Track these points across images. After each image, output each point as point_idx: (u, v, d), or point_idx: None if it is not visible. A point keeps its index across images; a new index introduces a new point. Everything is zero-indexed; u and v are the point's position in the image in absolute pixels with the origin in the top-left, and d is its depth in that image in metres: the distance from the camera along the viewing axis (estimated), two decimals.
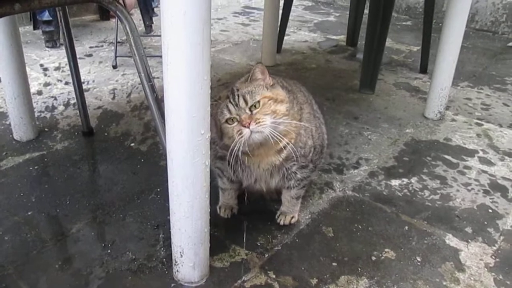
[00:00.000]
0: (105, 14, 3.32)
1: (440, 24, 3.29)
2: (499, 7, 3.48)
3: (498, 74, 2.60)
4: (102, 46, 2.77)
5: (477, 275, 1.12)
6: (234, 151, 1.01)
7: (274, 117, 1.02)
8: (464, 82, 2.43)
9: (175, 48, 0.78)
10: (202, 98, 0.84)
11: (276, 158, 1.12)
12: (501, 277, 1.12)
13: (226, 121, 1.03)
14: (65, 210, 1.29)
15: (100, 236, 1.21)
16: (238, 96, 1.02)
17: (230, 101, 1.02)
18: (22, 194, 1.35)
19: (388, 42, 2.24)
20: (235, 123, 1.02)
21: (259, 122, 1.00)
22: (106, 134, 1.72)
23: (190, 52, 0.78)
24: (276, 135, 1.03)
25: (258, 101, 1.02)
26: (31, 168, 1.48)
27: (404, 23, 3.73)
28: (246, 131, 1.00)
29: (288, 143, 1.09)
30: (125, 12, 1.02)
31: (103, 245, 1.17)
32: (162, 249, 1.16)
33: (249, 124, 0.99)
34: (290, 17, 2.78)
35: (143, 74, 1.07)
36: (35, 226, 1.23)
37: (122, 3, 1.04)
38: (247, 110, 1.01)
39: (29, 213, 1.27)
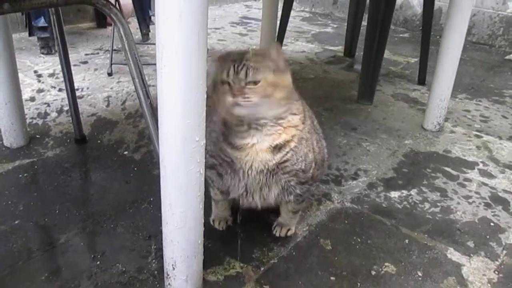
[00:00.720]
0: (101, 22, 3.30)
1: (438, 37, 3.30)
2: (496, 21, 3.49)
3: (496, 87, 2.59)
4: (98, 53, 2.74)
5: None
6: (220, 113, 0.99)
7: (267, 100, 0.99)
8: (462, 94, 2.42)
9: (170, 51, 0.74)
10: (198, 104, 0.80)
11: (271, 157, 1.05)
12: None
13: (221, 82, 0.99)
14: (54, 219, 1.25)
15: (90, 247, 1.17)
16: (243, 66, 0.98)
17: (234, 65, 0.99)
18: (9, 202, 1.30)
19: (386, 54, 2.22)
20: (226, 87, 0.98)
21: (246, 97, 0.97)
22: (99, 141, 1.68)
23: (185, 55, 0.74)
24: (270, 116, 1.00)
25: (258, 81, 0.98)
26: (20, 176, 1.44)
27: (401, 35, 3.73)
28: (231, 99, 0.97)
29: (287, 143, 1.05)
30: (120, 15, 0.99)
31: (92, 256, 1.13)
32: (153, 261, 1.11)
33: (236, 95, 0.97)
34: (288, 28, 2.76)
35: (137, 80, 1.04)
36: (22, 236, 1.18)
37: (117, 7, 1.01)
38: (243, 83, 0.98)
39: (16, 222, 1.23)
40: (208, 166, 1.14)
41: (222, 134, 1.06)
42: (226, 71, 0.98)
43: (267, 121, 1.02)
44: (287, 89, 1.03)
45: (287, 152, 1.05)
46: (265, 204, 1.17)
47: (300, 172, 1.09)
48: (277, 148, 1.04)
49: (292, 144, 1.05)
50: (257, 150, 1.04)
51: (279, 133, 1.04)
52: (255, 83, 0.98)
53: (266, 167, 1.06)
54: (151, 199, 1.35)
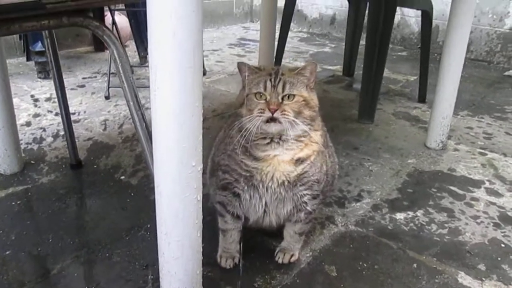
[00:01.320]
0: (99, 46, 3.30)
1: (435, 55, 3.30)
2: (494, 37, 3.50)
3: (497, 103, 2.56)
4: (95, 77, 2.73)
5: None
6: (250, 129, 0.97)
7: (298, 117, 0.99)
8: (463, 111, 2.39)
9: (163, 72, 0.71)
10: (193, 127, 0.77)
11: (293, 168, 1.03)
12: None
13: (255, 94, 1.00)
14: (47, 249, 1.20)
15: (84, 277, 1.11)
16: (280, 80, 0.99)
17: (270, 79, 0.99)
18: (1, 232, 1.26)
19: (385, 72, 2.21)
20: (262, 101, 0.99)
21: (284, 112, 0.98)
22: (95, 166, 1.64)
23: (180, 76, 0.71)
24: (293, 134, 1.00)
25: (294, 95, 0.99)
26: (13, 203, 1.39)
27: (399, 53, 3.73)
28: (268, 114, 0.97)
29: (308, 157, 1.04)
30: (113, 38, 0.97)
31: (86, 287, 1.07)
32: None
33: (275, 110, 0.97)
34: (286, 48, 2.76)
35: (131, 103, 1.01)
36: (14, 267, 1.13)
37: (112, 29, 0.99)
38: (280, 97, 0.98)
39: (8, 252, 1.18)
40: (221, 187, 1.10)
41: (241, 146, 1.03)
42: (263, 85, 0.99)
43: (290, 137, 1.01)
44: (315, 108, 1.04)
45: (307, 165, 1.05)
46: (279, 221, 1.14)
47: (315, 183, 1.08)
48: (299, 161, 1.04)
49: (312, 158, 1.05)
50: (279, 161, 1.03)
51: (300, 148, 1.04)
52: (290, 97, 0.99)
53: (288, 178, 1.04)
54: (148, 226, 1.30)
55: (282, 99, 0.99)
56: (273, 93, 0.98)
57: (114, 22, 2.51)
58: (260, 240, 1.27)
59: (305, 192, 1.07)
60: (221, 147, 1.12)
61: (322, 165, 1.09)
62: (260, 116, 0.97)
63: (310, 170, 1.05)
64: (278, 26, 2.62)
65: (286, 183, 1.05)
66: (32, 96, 2.34)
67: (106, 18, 2.85)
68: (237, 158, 1.05)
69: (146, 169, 1.61)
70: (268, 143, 1.02)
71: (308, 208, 1.10)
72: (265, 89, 0.99)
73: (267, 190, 1.05)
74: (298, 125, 1.00)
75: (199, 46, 0.72)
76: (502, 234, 1.35)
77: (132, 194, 1.47)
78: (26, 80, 2.57)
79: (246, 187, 1.06)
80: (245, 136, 0.99)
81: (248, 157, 1.04)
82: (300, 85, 1.01)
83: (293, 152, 1.03)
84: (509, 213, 1.45)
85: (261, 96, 0.99)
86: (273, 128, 0.99)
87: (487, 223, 1.40)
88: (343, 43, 2.99)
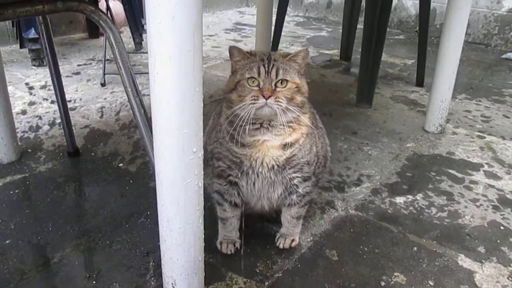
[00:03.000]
0: (94, 32, 3.26)
1: (433, 38, 3.27)
2: (491, 20, 3.47)
3: (495, 86, 2.56)
4: (90, 64, 2.70)
5: None
6: (242, 116, 0.97)
7: (290, 103, 0.99)
8: (461, 95, 2.38)
9: (163, 56, 0.70)
10: (194, 112, 0.75)
11: (281, 152, 1.03)
12: None
13: (247, 80, 0.98)
14: (47, 238, 1.19)
15: (85, 266, 1.11)
16: (273, 66, 0.98)
17: (263, 64, 0.98)
18: (0, 221, 1.25)
19: (382, 56, 2.19)
20: (255, 87, 0.98)
21: (278, 99, 0.97)
22: (93, 154, 1.63)
23: (180, 61, 0.70)
24: (284, 120, 0.99)
25: (287, 81, 0.99)
26: (11, 192, 1.38)
27: (396, 37, 3.70)
28: (261, 101, 0.96)
29: (297, 141, 1.04)
30: (109, 23, 0.95)
31: (87, 275, 1.07)
32: (152, 279, 1.06)
33: (269, 97, 0.96)
34: (282, 33, 2.73)
35: (129, 89, 0.99)
36: (14, 256, 1.12)
37: (106, 13, 0.97)
38: (273, 83, 0.98)
39: (7, 241, 1.17)
40: (216, 175, 1.09)
41: (229, 133, 1.03)
42: (256, 70, 0.97)
43: (279, 123, 1.00)
44: (306, 94, 1.03)
45: (296, 148, 1.05)
46: (271, 205, 1.14)
47: (305, 165, 1.07)
48: (288, 145, 1.03)
49: (301, 141, 1.05)
50: (268, 146, 1.03)
51: (289, 133, 1.03)
52: (283, 83, 0.98)
53: (277, 162, 1.04)
54: (148, 212, 1.30)
55: (275, 85, 0.98)
56: (267, 79, 0.97)
57: (108, 8, 2.46)
58: (260, 226, 1.27)
59: (294, 175, 1.07)
60: (212, 135, 1.12)
61: (311, 146, 1.09)
62: (254, 103, 0.96)
63: (299, 153, 1.05)
64: (274, 11, 2.59)
65: (275, 167, 1.05)
66: (27, 84, 2.31)
67: (99, 3, 2.80)
68: (225, 146, 1.05)
69: (145, 156, 1.60)
70: (257, 128, 1.02)
71: (300, 190, 1.10)
72: (258, 74, 0.97)
73: (257, 175, 1.06)
74: (290, 111, 0.99)
75: (199, 30, 0.70)
76: (501, 216, 1.35)
77: (131, 181, 1.46)
78: (20, 68, 2.54)
79: (240, 174, 1.06)
80: (239, 125, 0.98)
81: (235, 144, 1.03)
82: (293, 71, 1.00)
83: (282, 137, 1.03)
84: (508, 196, 1.46)
85: (253, 81, 0.98)
86: (266, 111, 0.97)
87: (486, 206, 1.40)
88: (340, 27, 2.96)
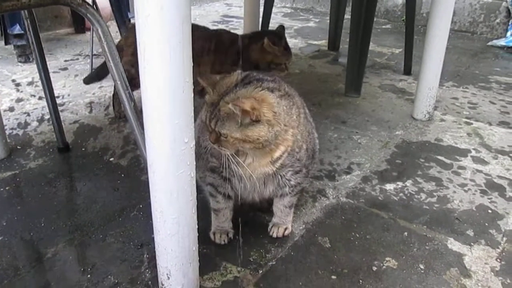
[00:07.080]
0: (80, 27, 3.22)
1: (419, 27, 3.29)
2: (476, 7, 3.50)
3: (481, 73, 2.59)
4: (77, 59, 2.67)
5: (484, 281, 1.06)
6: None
7: (245, 148, 0.98)
8: (448, 82, 2.41)
9: (152, 47, 0.70)
10: (185, 102, 0.76)
11: (270, 168, 1.04)
12: (508, 281, 1.06)
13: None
14: (40, 233, 1.19)
15: (79, 260, 1.11)
16: (215, 115, 0.95)
17: (210, 110, 0.97)
18: None
19: (370, 45, 2.20)
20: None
21: (221, 148, 0.98)
22: (83, 149, 1.62)
23: (169, 52, 0.70)
24: (256, 152, 1.00)
25: (225, 135, 0.95)
26: (2, 189, 1.38)
27: (383, 26, 3.72)
28: (210, 143, 0.99)
29: (284, 153, 1.04)
30: (97, 16, 0.94)
31: (82, 269, 1.07)
32: (147, 270, 1.07)
33: (213, 143, 0.98)
34: (270, 24, 2.72)
35: (119, 82, 0.99)
36: (7, 253, 1.12)
37: (94, 6, 0.96)
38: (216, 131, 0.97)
39: (0, 238, 1.17)
40: (210, 169, 1.10)
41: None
42: (205, 113, 0.97)
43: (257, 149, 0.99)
44: (262, 141, 0.96)
45: (285, 158, 1.05)
46: (262, 197, 1.16)
47: (296, 162, 1.08)
48: (275, 160, 1.04)
49: (289, 149, 1.04)
50: (256, 166, 1.04)
51: (274, 151, 1.02)
52: (223, 135, 0.95)
53: (266, 175, 1.07)
54: (141, 206, 1.30)
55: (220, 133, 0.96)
56: (209, 126, 0.97)
57: (94, 2, 2.44)
58: (253, 215, 1.28)
59: (286, 170, 1.08)
60: (206, 132, 1.12)
61: (302, 144, 1.08)
62: (208, 140, 0.98)
63: (288, 158, 1.05)
64: (262, 2, 2.58)
65: (266, 175, 1.07)
66: (13, 80, 2.28)
67: None
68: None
69: (135, 150, 1.60)
70: (241, 154, 1.02)
71: (292, 182, 1.11)
72: (205, 118, 0.97)
73: (249, 179, 1.07)
74: (251, 149, 0.98)
75: (188, 21, 0.71)
76: (489, 200, 1.38)
77: (122, 175, 1.46)
78: (6, 65, 2.50)
79: (232, 173, 1.07)
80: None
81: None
82: (231, 123, 0.93)
83: (269, 156, 1.02)
84: (495, 180, 1.49)
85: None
86: (222, 152, 0.98)
87: (474, 191, 1.43)
88: (327, 18, 2.97)
